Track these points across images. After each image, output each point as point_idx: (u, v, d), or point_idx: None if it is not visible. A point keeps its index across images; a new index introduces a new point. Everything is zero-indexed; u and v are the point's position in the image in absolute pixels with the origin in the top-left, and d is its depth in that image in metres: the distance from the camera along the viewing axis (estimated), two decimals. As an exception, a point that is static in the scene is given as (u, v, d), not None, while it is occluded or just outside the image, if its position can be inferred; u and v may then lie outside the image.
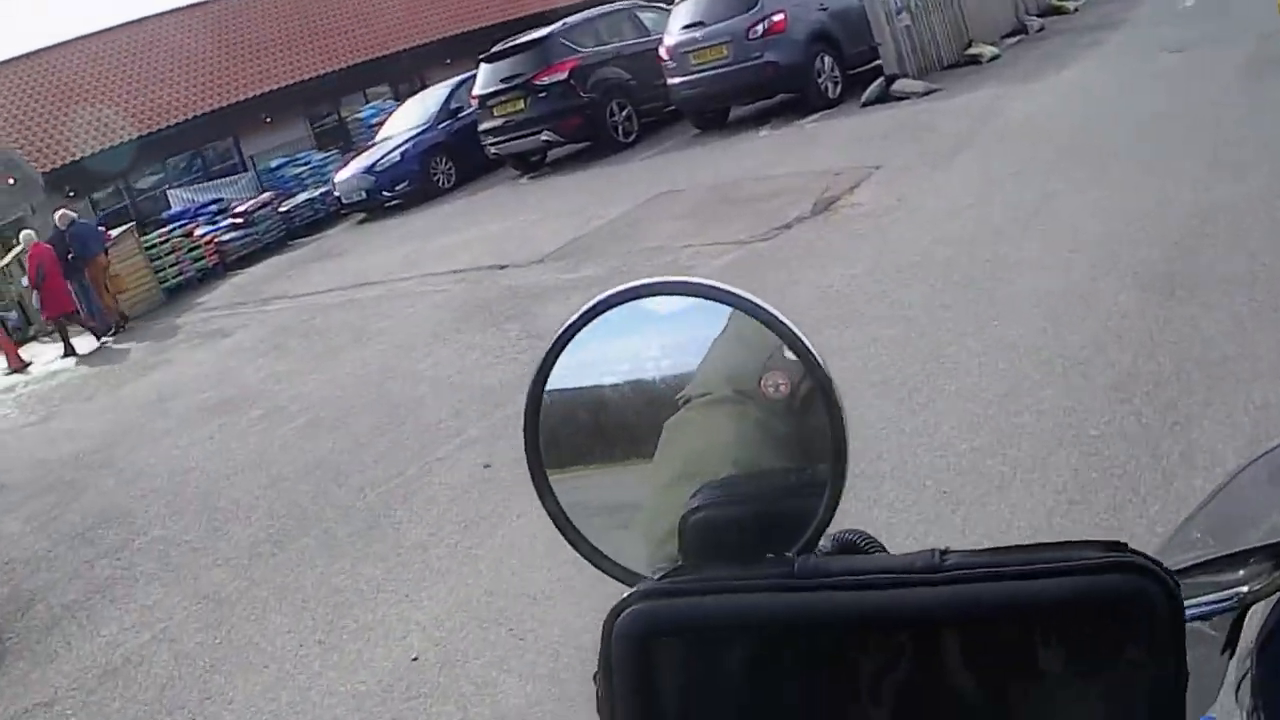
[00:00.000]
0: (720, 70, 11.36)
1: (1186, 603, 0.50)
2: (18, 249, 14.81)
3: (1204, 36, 9.08)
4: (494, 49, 13.96)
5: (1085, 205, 5.68)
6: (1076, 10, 13.27)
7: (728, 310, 0.59)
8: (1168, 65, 8.49)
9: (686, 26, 11.98)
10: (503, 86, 13.37)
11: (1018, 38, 12.27)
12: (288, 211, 16.44)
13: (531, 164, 14.02)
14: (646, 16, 14.06)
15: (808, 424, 0.58)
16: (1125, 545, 0.49)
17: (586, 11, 14.27)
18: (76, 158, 19.02)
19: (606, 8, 14.38)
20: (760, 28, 11.25)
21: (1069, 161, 6.66)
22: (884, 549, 0.58)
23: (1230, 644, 0.67)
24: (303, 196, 16.84)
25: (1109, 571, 0.48)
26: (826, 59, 11.16)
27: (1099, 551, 0.49)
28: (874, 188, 7.34)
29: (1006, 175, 6.72)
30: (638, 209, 8.96)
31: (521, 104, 13.39)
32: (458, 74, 16.16)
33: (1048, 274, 4.77)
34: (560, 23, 13.76)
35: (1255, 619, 0.67)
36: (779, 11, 11.24)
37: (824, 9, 11.50)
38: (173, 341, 11.22)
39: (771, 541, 0.57)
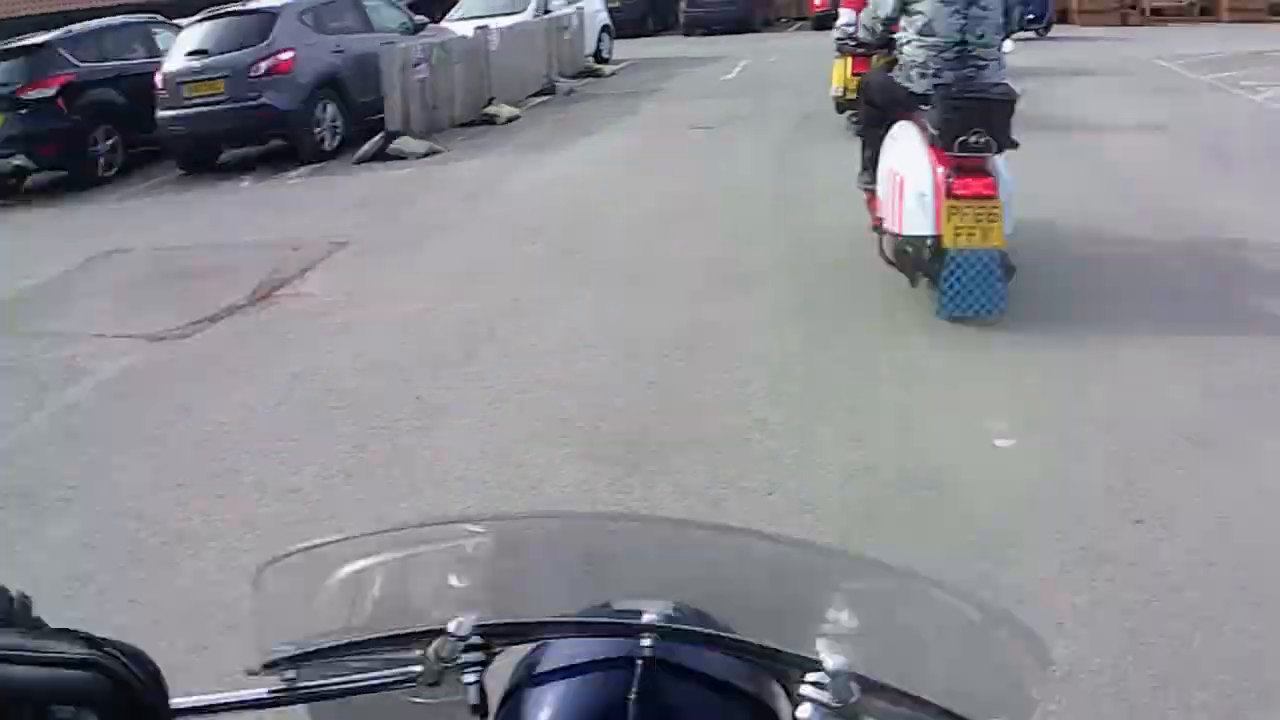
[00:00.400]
0: (214, 107, 10.19)
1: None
2: None
3: (740, 113, 9.59)
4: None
5: (565, 317, 5.26)
6: (614, 74, 13.79)
7: None
8: (693, 143, 8.70)
9: (190, 53, 10.67)
10: (-21, 98, 11.21)
11: (545, 98, 12.31)
12: None
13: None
14: (164, 35, 12.52)
15: None
16: (106, 641, 0.58)
17: (97, 20, 12.44)
18: None
19: (120, 19, 12.62)
20: (264, 65, 10.25)
21: (556, 257, 6.36)
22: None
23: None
24: None
25: (79, 667, 0.55)
26: (330, 107, 10.40)
27: (80, 647, 0.57)
28: (329, 273, 6.66)
29: (478, 270, 6.30)
30: (75, 271, 7.63)
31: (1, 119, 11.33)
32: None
33: (478, 430, 4.07)
34: (63, 29, 11.83)
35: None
36: (288, 50, 10.31)
37: (339, 50, 10.75)
38: None
39: None
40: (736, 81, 11.87)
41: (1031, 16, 15.60)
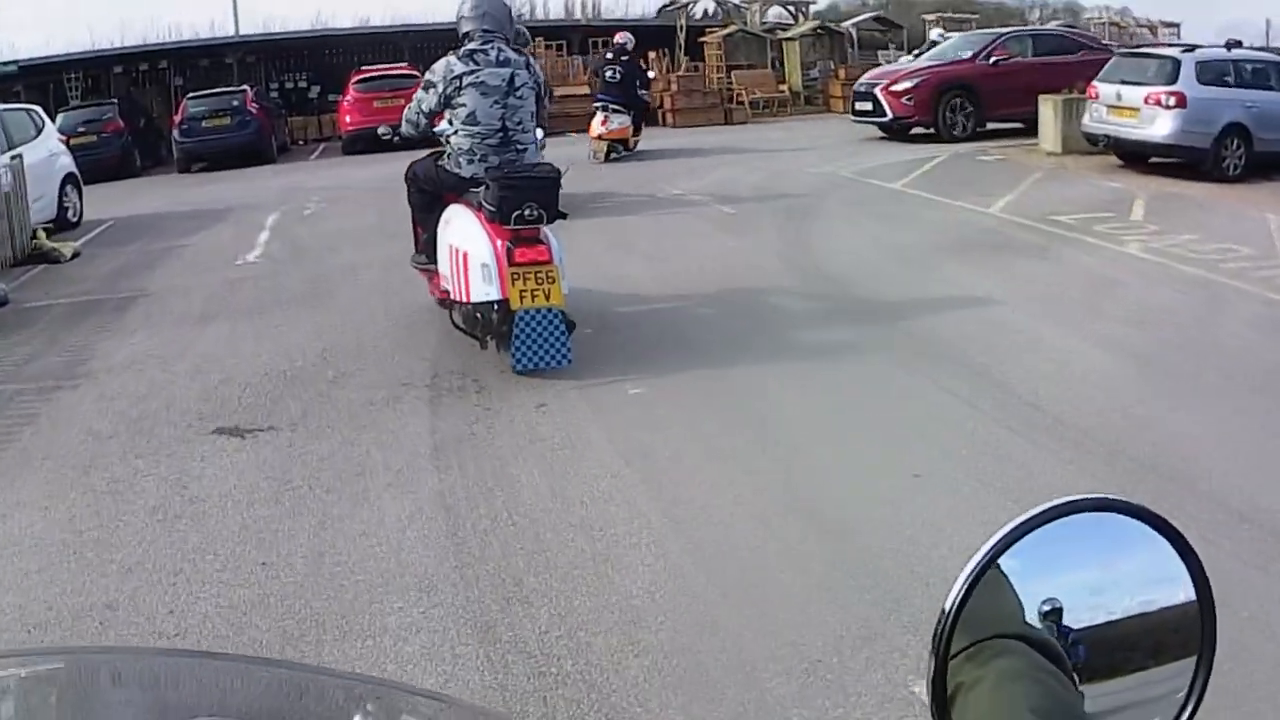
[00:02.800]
0: None
1: None
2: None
3: (278, 366, 5.82)
4: None
5: None
6: (77, 257, 9.41)
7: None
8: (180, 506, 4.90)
9: None
10: None
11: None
12: None
13: None
14: None
15: None
16: None
17: None
18: None
19: None
20: None
21: None
22: None
23: None
24: None
25: None
26: None
27: None
28: None
29: None
30: None
31: None
32: None
33: None
34: None
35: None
36: None
37: None
38: None
39: None
40: (261, 268, 8.39)
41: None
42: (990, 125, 15.53)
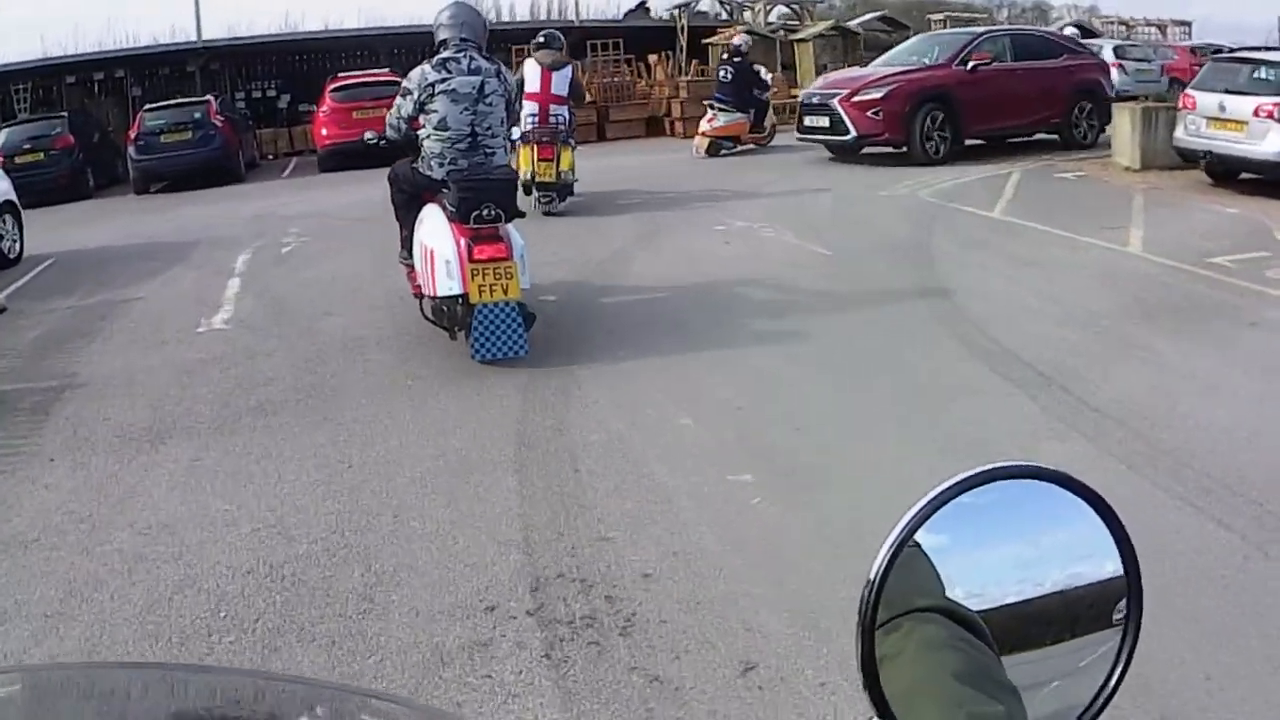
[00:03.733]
0: None
1: None
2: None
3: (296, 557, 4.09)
4: None
5: None
6: (1, 313, 7.64)
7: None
8: None
9: None
10: None
11: None
12: None
13: None
14: None
15: None
16: None
17: None
18: None
19: None
20: None
21: None
22: None
23: None
24: None
25: None
26: None
27: None
28: None
29: None
30: None
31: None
32: None
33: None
34: None
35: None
36: None
37: None
38: None
39: None
40: (232, 340, 6.45)
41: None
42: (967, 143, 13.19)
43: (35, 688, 0.93)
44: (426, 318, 5.84)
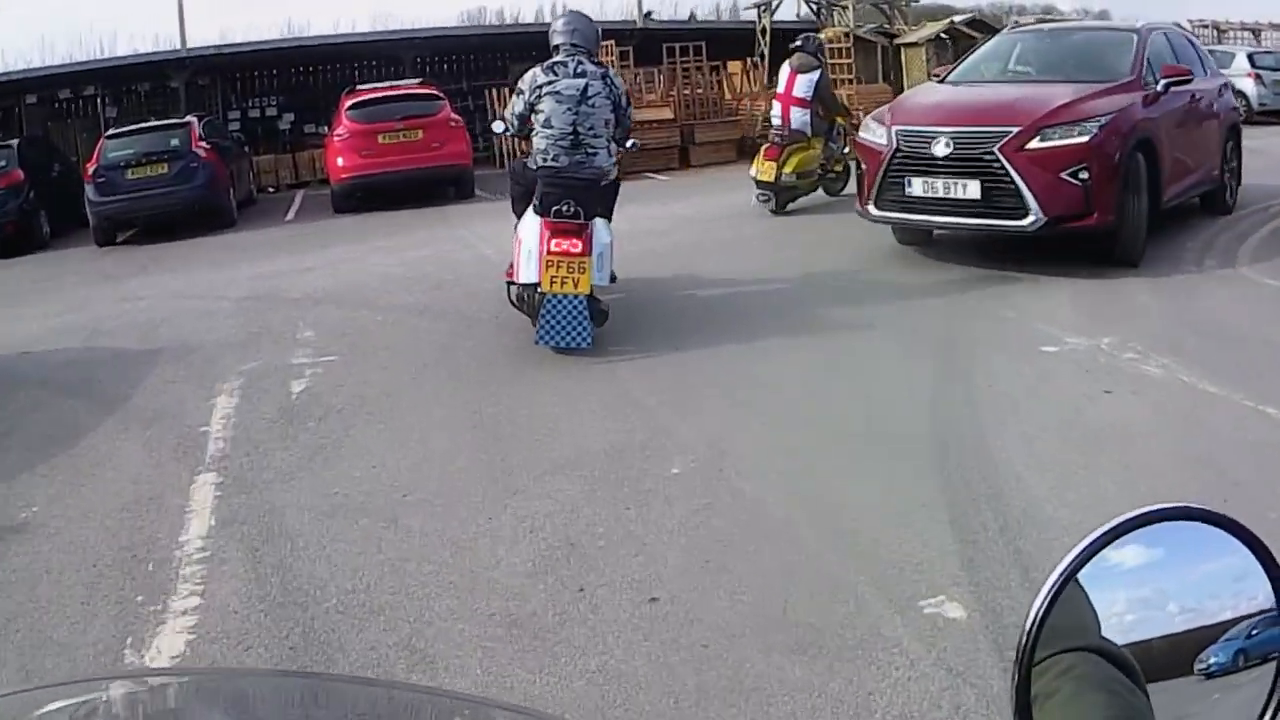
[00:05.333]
0: None
1: None
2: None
3: None
4: None
5: None
6: None
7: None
8: None
9: None
10: None
11: None
12: None
13: None
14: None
15: None
16: None
17: None
18: None
19: None
20: None
21: None
22: None
23: None
24: None
25: None
26: None
27: None
28: None
29: None
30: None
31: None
32: None
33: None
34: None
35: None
36: None
37: None
38: None
39: None
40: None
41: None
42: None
43: (179, 692, 0.94)
44: (512, 303, 6.09)
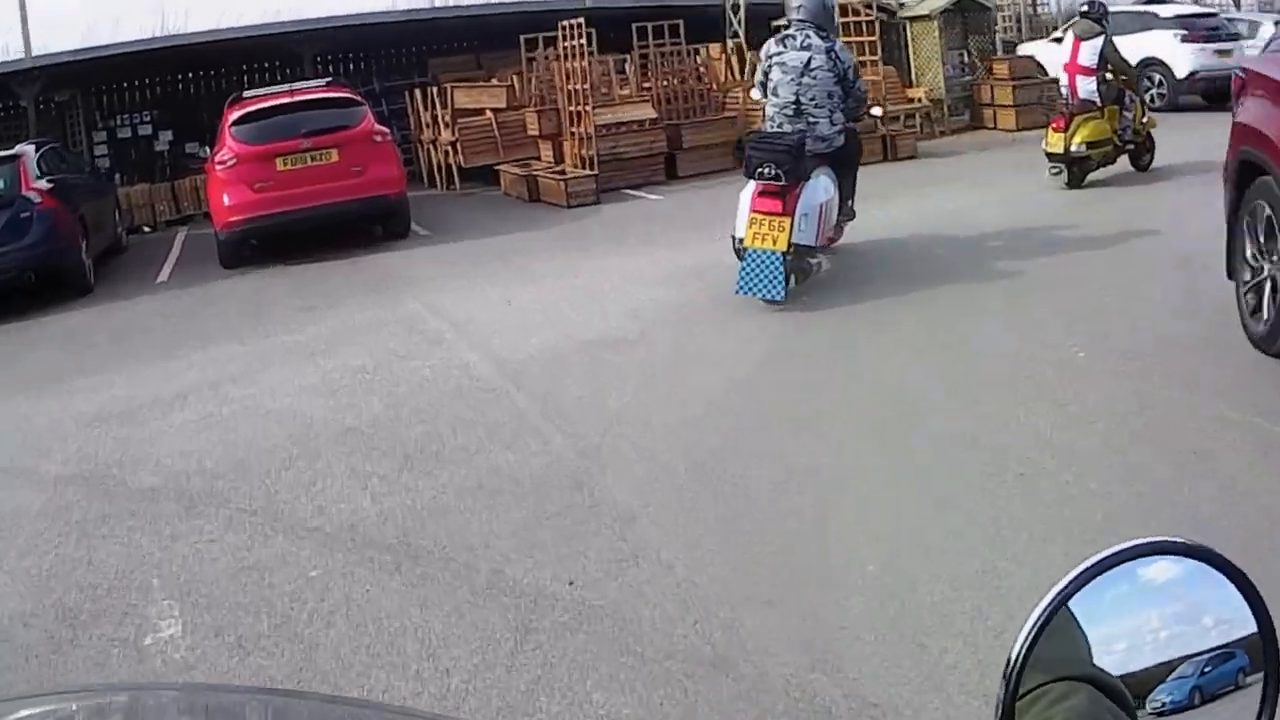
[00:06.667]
0: None
1: None
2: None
3: None
4: None
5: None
6: None
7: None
8: None
9: None
10: None
11: None
12: None
13: None
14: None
15: None
16: None
17: None
18: None
19: None
20: None
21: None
22: None
23: None
24: None
25: None
26: None
27: None
28: None
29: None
30: None
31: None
32: None
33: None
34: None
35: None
36: None
37: None
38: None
39: None
40: None
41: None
42: None
43: (136, 708, 0.91)
44: (735, 250, 6.38)
